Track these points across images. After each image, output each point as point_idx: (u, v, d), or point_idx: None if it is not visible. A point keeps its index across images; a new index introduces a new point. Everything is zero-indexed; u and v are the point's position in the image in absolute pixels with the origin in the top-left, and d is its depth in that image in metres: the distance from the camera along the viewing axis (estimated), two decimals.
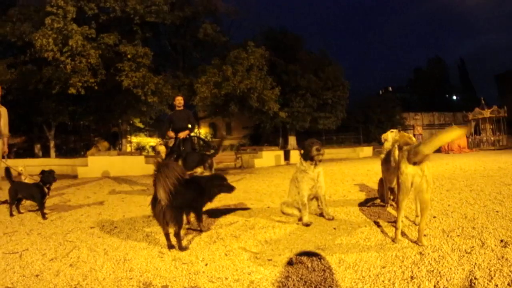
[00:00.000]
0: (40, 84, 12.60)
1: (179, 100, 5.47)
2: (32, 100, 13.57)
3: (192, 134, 5.34)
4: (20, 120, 13.93)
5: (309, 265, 1.80)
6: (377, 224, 2.61)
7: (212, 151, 5.43)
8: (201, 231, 2.60)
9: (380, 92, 45.09)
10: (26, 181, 4.20)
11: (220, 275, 1.74)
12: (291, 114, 18.17)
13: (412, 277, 1.58)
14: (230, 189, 2.75)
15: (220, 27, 17.37)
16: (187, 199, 2.33)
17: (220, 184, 2.71)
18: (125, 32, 13.94)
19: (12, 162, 5.28)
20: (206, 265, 1.90)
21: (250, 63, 14.76)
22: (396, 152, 2.52)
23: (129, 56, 12.74)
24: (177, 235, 2.16)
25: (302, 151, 2.94)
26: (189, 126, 5.22)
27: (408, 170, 2.02)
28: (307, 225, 2.69)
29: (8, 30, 12.41)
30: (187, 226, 2.70)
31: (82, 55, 11.74)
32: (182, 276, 1.76)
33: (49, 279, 1.80)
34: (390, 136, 3.16)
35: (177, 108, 5.44)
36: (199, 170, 4.51)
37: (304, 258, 1.91)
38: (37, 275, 1.86)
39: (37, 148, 16.85)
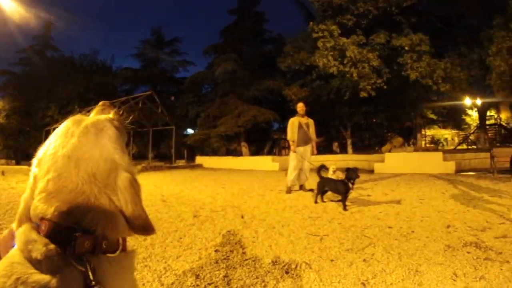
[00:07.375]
0: (331, 94, 15.41)
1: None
2: (326, 108, 16.55)
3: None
4: (319, 125, 15.94)
5: None
6: None
7: None
8: None
9: None
10: (332, 177, 4.93)
11: None
12: None
13: None
14: None
15: None
16: None
17: None
18: (390, 26, 13.70)
19: (314, 158, 6.12)
20: None
21: None
22: None
23: (406, 48, 12.43)
24: None
25: None
26: None
27: None
28: None
29: (290, 62, 15.90)
30: None
31: (362, 61, 12.72)
32: None
33: (342, 267, 1.96)
34: None
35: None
36: None
37: None
38: (332, 260, 2.07)
39: (335, 145, 20.07)
